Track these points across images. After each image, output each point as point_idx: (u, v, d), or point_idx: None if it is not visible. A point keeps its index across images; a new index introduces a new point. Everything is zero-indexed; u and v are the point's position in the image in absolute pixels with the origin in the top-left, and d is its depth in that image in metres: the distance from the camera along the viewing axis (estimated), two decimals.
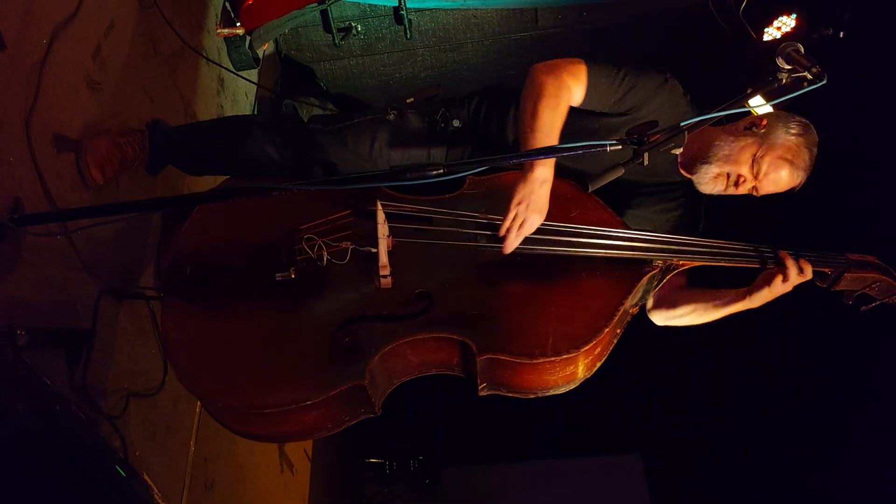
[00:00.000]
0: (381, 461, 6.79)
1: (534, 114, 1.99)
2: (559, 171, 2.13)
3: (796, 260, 2.03)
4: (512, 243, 1.95)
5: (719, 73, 4.19)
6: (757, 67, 3.82)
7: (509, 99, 2.21)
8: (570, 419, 5.75)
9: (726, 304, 2.16)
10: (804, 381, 4.71)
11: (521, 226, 1.93)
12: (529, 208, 1.91)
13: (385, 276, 1.96)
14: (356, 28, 4.33)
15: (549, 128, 1.98)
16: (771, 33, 3.75)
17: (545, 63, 2.12)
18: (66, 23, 2.28)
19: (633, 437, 6.90)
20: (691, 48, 4.37)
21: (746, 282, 2.16)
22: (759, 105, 1.97)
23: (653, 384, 5.93)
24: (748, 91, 1.83)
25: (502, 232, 1.94)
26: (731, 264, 2.07)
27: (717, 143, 2.15)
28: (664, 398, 6.11)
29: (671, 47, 4.40)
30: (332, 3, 4.05)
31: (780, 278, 2.01)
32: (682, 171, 2.27)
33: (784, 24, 3.69)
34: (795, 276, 2.02)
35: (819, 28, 3.64)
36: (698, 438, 6.02)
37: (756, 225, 2.67)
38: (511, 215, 1.92)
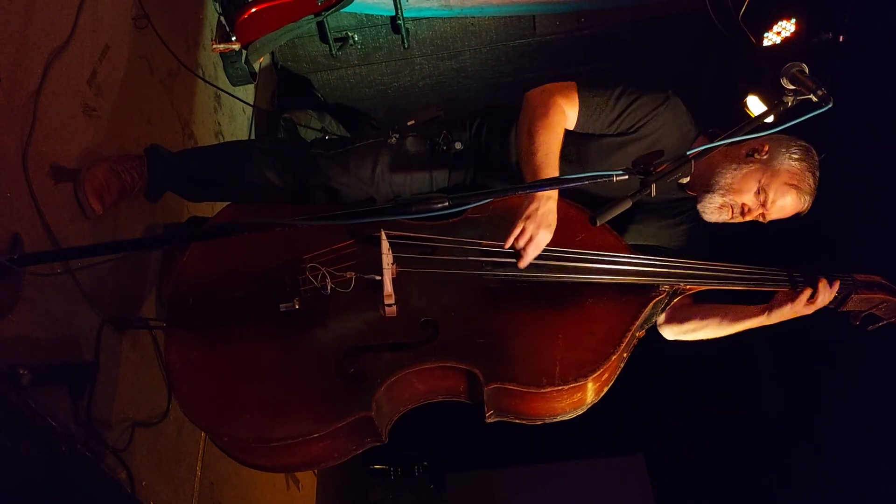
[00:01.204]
0: (385, 467, 6.79)
1: (530, 136, 2.02)
2: (564, 195, 2.12)
3: (829, 283, 2.05)
4: (526, 258, 1.94)
5: (718, 79, 4.17)
6: (756, 73, 3.81)
7: (511, 119, 2.20)
8: (573, 422, 5.72)
9: (741, 319, 2.16)
10: (810, 382, 4.70)
11: (530, 240, 1.91)
12: (537, 223, 1.90)
13: (390, 305, 1.94)
14: (353, 38, 4.32)
15: (546, 150, 1.99)
16: (771, 38, 3.71)
17: (538, 88, 2.14)
18: (61, 50, 2.25)
19: (636, 439, 6.90)
20: (690, 54, 4.35)
21: (750, 301, 2.15)
22: (768, 131, 1.96)
23: (655, 385, 5.91)
24: (759, 113, 1.80)
25: (507, 245, 1.94)
26: (738, 287, 2.06)
27: (719, 170, 2.13)
28: (667, 399, 6.10)
29: (670, 53, 4.39)
30: (329, 13, 4.02)
31: (804, 298, 2.04)
32: (687, 191, 2.25)
33: (784, 29, 3.65)
34: (825, 298, 2.05)
35: (819, 32, 3.61)
36: (702, 439, 6.02)
37: (762, 246, 2.65)
38: (517, 229, 1.91)
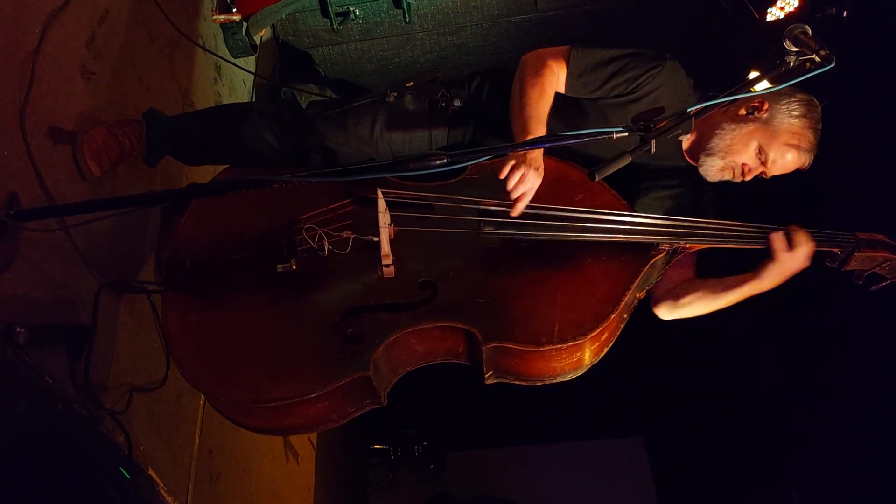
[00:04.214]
0: (385, 447, 6.82)
1: (521, 95, 2.05)
2: (564, 155, 2.11)
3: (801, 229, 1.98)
4: (521, 203, 1.91)
5: (722, 53, 4.13)
6: (760, 47, 3.78)
7: (510, 79, 2.18)
8: (573, 403, 5.76)
9: (735, 286, 2.08)
10: (810, 362, 4.70)
11: (522, 179, 1.89)
12: (527, 164, 1.88)
13: (387, 266, 1.94)
14: (354, 12, 4.28)
15: (535, 107, 2.01)
16: (774, 13, 3.68)
17: (533, 51, 2.16)
18: (59, 11, 2.24)
19: (636, 421, 6.92)
20: (693, 28, 4.31)
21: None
22: (765, 89, 1.94)
23: (655, 367, 5.93)
24: (755, 76, 1.78)
25: (502, 175, 1.90)
26: (738, 246, 2.02)
27: (718, 131, 2.11)
28: (667, 381, 6.11)
29: (673, 27, 4.36)
30: None
31: (783, 252, 1.96)
32: (688, 158, 2.23)
33: (787, 4, 3.63)
34: (801, 247, 1.96)
35: (822, 7, 3.58)
36: (702, 421, 6.03)
37: (764, 206, 2.63)
38: (509, 164, 1.89)
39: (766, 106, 2.08)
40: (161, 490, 2.22)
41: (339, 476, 5.70)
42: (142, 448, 2.40)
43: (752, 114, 2.09)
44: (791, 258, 1.97)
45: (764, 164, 2.08)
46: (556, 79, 2.10)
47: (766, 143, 2.06)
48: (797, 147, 2.06)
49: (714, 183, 2.22)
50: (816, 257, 2.03)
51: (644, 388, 6.24)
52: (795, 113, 2.06)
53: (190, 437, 2.84)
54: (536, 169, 1.90)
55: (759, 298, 2.10)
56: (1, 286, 1.85)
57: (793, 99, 2.08)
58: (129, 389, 2.38)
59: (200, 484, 2.88)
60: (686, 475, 6.31)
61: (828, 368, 4.50)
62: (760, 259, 2.04)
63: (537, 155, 1.92)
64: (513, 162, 1.89)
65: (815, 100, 2.11)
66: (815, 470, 4.77)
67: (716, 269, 2.17)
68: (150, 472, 2.41)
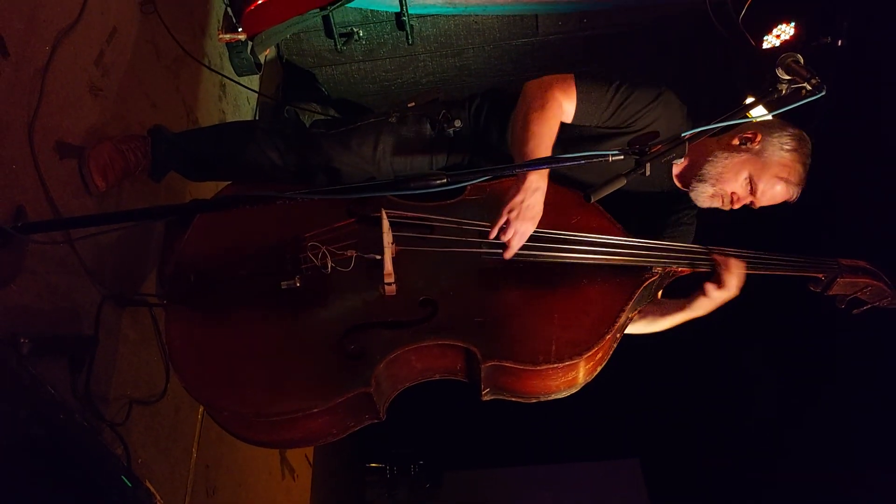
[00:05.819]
0: (382, 466, 6.80)
1: (525, 126, 2.03)
2: (560, 180, 2.15)
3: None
4: (511, 250, 1.96)
5: (718, 81, 4.20)
6: (755, 75, 3.84)
7: (510, 101, 2.22)
8: (570, 424, 5.76)
9: (671, 312, 2.16)
10: (806, 384, 4.72)
11: (514, 233, 1.93)
12: (521, 217, 1.92)
13: (389, 284, 1.96)
14: (358, 33, 4.35)
15: (539, 139, 2.00)
16: (770, 41, 3.74)
17: (537, 80, 2.15)
18: (69, 29, 2.29)
19: (632, 442, 6.91)
20: (690, 55, 4.38)
21: None
22: (759, 115, 1.98)
23: (652, 389, 5.94)
24: (748, 101, 1.83)
25: (491, 236, 1.96)
26: None
27: (710, 159, 2.16)
28: (663, 403, 6.12)
29: (670, 54, 4.42)
30: (334, 8, 4.06)
31: (713, 285, 2.03)
32: (678, 183, 2.28)
33: (783, 32, 3.69)
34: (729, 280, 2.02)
35: (817, 36, 3.64)
36: (698, 443, 6.03)
37: (751, 232, 2.67)
38: (500, 221, 1.93)
39: (758, 137, 2.13)
40: (158, 502, 2.23)
41: (335, 494, 5.68)
42: (139, 461, 2.41)
43: (745, 144, 2.14)
44: (719, 293, 2.04)
45: (753, 193, 2.13)
46: (561, 111, 2.11)
47: (756, 174, 2.11)
48: (786, 180, 2.10)
49: (704, 210, 2.26)
50: (801, 282, 2.08)
51: (640, 409, 6.25)
52: (787, 147, 2.11)
53: (187, 451, 2.85)
54: (532, 219, 1.93)
55: (758, 321, 2.15)
56: (6, 297, 1.88)
57: (785, 133, 2.13)
58: (129, 402, 2.39)
59: (197, 498, 2.89)
60: (682, 497, 6.29)
61: (824, 391, 4.52)
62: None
63: (536, 203, 1.93)
64: (507, 216, 1.92)
65: (806, 135, 2.16)
66: (812, 492, 4.77)
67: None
68: (148, 484, 2.42)
